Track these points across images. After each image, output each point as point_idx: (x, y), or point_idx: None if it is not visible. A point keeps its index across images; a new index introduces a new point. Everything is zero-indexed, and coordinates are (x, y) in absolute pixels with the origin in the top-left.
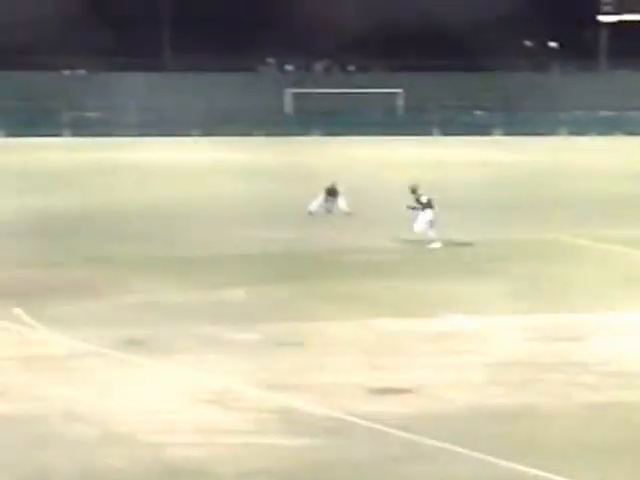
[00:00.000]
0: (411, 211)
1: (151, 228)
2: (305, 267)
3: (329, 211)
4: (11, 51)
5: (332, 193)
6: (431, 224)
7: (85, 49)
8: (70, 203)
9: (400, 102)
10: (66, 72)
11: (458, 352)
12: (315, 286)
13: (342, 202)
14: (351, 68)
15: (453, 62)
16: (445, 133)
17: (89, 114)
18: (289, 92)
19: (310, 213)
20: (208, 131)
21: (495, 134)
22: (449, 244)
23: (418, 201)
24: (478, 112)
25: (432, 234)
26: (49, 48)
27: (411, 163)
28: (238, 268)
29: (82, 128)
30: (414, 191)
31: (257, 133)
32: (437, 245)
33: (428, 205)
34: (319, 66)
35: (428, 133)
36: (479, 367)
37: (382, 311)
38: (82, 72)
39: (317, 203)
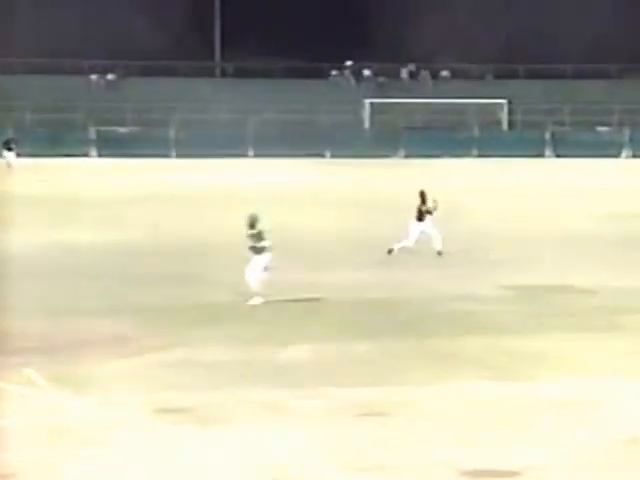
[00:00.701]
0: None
1: (198, 269)
2: (391, 319)
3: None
4: (33, 53)
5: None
6: (265, 271)
7: (115, 50)
8: (99, 238)
9: (504, 115)
10: (92, 77)
11: (575, 424)
12: (402, 343)
13: (436, 235)
14: (444, 74)
15: (569, 68)
16: (560, 154)
17: (119, 129)
18: (368, 103)
19: (389, 252)
20: (266, 151)
21: (622, 155)
22: (562, 291)
23: (257, 237)
24: (601, 128)
25: (258, 286)
26: (73, 50)
27: (518, 190)
28: (306, 319)
29: (111, 146)
30: (252, 225)
31: (328, 153)
32: (258, 301)
33: (268, 247)
34: (405, 71)
35: (539, 153)
36: (602, 443)
37: (483, 373)
38: (111, 77)
39: (411, 239)
